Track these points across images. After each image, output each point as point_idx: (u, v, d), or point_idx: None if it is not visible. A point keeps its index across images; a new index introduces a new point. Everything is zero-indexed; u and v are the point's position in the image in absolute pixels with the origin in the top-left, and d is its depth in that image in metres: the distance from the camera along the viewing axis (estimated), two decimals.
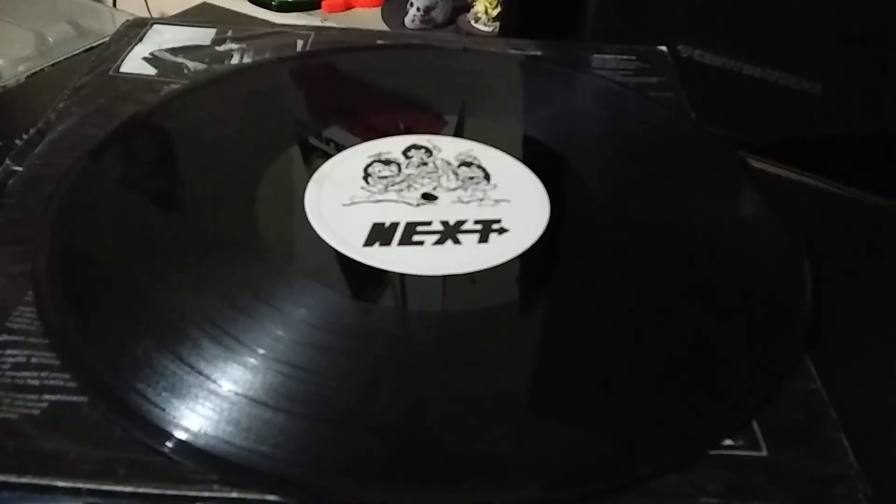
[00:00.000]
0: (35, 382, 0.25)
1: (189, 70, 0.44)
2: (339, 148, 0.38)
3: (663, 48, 0.48)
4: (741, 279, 0.31)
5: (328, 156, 0.37)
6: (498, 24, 0.71)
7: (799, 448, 0.25)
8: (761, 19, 0.49)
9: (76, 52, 0.60)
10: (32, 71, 0.58)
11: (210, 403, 0.25)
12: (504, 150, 0.38)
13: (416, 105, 0.42)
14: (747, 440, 0.25)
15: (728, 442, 0.25)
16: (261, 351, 0.27)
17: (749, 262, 0.32)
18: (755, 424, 0.26)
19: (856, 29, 0.46)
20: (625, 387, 0.27)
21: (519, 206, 0.34)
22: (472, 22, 0.77)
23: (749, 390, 0.27)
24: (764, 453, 0.25)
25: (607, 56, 0.46)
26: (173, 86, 0.42)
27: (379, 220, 0.33)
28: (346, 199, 0.34)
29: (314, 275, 0.30)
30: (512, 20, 0.64)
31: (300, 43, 0.47)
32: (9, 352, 0.26)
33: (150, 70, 0.44)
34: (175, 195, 0.35)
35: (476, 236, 0.33)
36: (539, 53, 0.47)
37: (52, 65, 0.59)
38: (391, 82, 0.44)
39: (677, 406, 0.26)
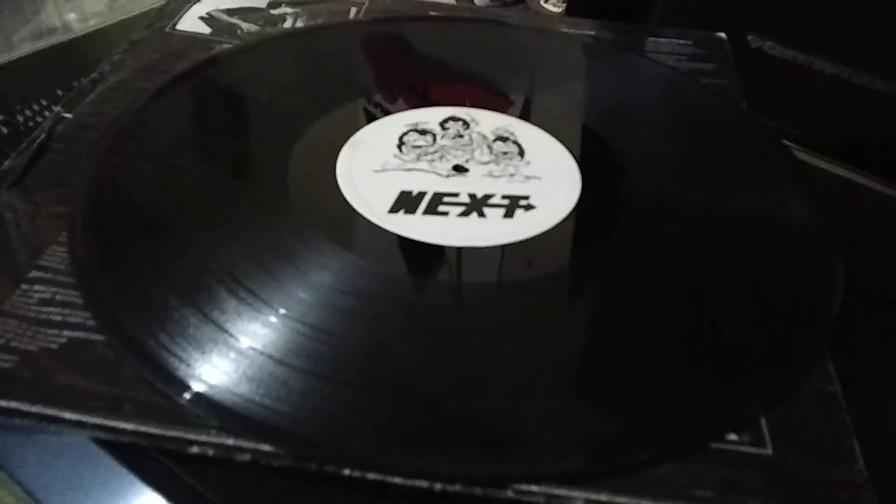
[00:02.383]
0: (58, 318, 0.27)
1: (242, 31, 0.45)
2: (385, 113, 0.38)
3: (722, 35, 0.46)
4: (770, 273, 0.30)
5: (372, 119, 0.37)
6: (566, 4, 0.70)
7: (806, 449, 0.24)
8: (837, 13, 0.47)
9: (145, 10, 0.62)
10: (101, 25, 0.59)
11: (219, 353, 0.25)
12: (542, 128, 0.37)
13: (458, 79, 0.42)
14: (753, 437, 0.25)
15: (732, 437, 0.24)
16: (276, 307, 0.27)
17: (779, 257, 0.31)
18: (763, 421, 0.25)
19: None
20: (634, 372, 0.26)
21: (550, 185, 0.34)
22: (542, 2, 0.76)
23: (760, 385, 0.26)
24: (769, 451, 0.24)
25: (662, 40, 0.45)
26: (225, 45, 0.43)
27: (407, 188, 0.33)
28: (377, 166, 0.35)
29: (335, 237, 0.30)
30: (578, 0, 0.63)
31: (353, 10, 0.47)
32: (37, 287, 0.28)
33: (205, 29, 0.45)
34: (214, 150, 0.35)
35: (502, 211, 0.32)
36: (594, 34, 0.46)
37: (122, 20, 0.61)
38: (443, 54, 0.44)
39: (683, 395, 0.25)
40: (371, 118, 0.37)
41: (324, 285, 0.28)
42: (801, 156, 0.42)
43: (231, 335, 0.26)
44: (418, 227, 0.31)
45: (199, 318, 0.27)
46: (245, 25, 0.45)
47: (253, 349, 0.26)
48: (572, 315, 0.29)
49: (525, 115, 0.38)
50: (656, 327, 0.28)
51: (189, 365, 0.25)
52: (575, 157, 0.36)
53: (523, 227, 0.32)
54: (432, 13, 0.48)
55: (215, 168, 0.34)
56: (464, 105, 0.39)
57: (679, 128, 0.38)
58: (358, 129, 0.37)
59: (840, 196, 0.41)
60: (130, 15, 0.62)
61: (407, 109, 0.38)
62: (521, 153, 0.36)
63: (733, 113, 0.39)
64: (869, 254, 0.34)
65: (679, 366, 0.27)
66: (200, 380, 0.25)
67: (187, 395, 0.24)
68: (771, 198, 0.34)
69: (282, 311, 0.27)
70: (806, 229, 0.32)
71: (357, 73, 0.42)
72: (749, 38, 0.50)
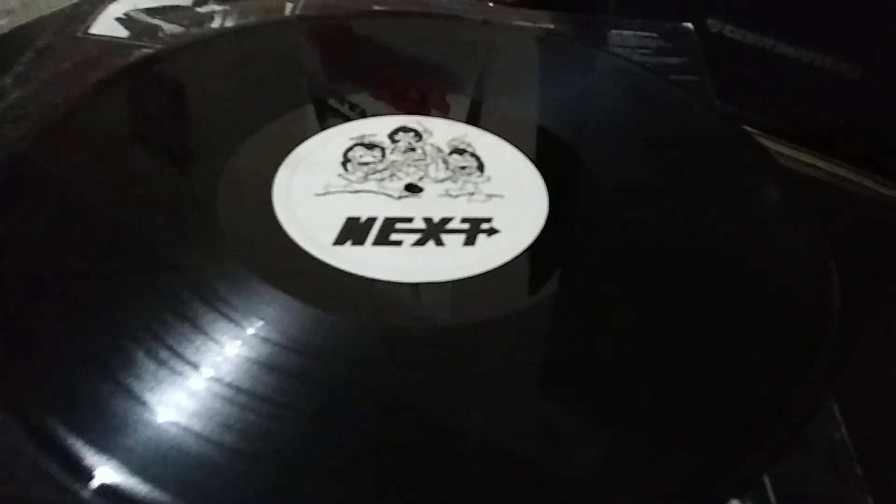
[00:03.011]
0: None
1: (165, 33, 0.40)
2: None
3: (689, 25, 0.43)
4: (757, 298, 0.27)
5: (305, 137, 0.33)
6: None
7: None
8: None
9: (63, 6, 0.57)
10: (13, 26, 0.54)
11: (134, 430, 0.22)
12: (502, 137, 0.34)
13: (409, 79, 0.38)
14: (757, 500, 0.22)
15: (734, 503, 0.21)
16: (203, 369, 0.23)
17: (768, 278, 0.28)
18: (767, 481, 0.22)
19: None
20: (608, 430, 0.23)
21: (514, 203, 0.31)
22: None
23: (761, 439, 0.23)
24: None
25: (626, 32, 0.42)
26: (146, 51, 0.39)
27: (354, 213, 0.30)
28: (319, 188, 0.31)
29: (273, 277, 0.26)
30: None
31: (289, 7, 0.43)
32: None
33: (123, 32, 0.40)
34: (129, 179, 0.31)
35: (462, 237, 0.29)
36: (552, 27, 0.43)
37: (37, 19, 0.55)
38: (391, 52, 0.40)
39: (671, 458, 0.22)
40: (323, 121, 0.34)
41: (258, 337, 0.24)
42: (767, 143, 0.39)
43: (150, 407, 0.22)
44: (368, 262, 0.28)
45: (111, 386, 0.23)
46: (168, 27, 0.41)
47: (176, 425, 0.22)
48: (544, 361, 0.26)
49: (481, 122, 0.35)
50: (638, 374, 0.25)
51: (98, 450, 0.21)
52: (540, 170, 0.32)
53: (487, 255, 0.28)
54: (376, 7, 0.44)
55: (130, 201, 0.30)
56: (417, 108, 0.35)
57: (652, 133, 0.35)
58: (297, 145, 0.33)
59: (824, 194, 0.39)
60: (52, 11, 0.57)
61: (344, 122, 0.34)
62: (481, 167, 0.32)
63: (708, 113, 0.36)
64: (860, 263, 0.32)
65: (665, 424, 0.23)
66: (111, 468, 0.21)
67: (93, 487, 0.20)
68: (754, 210, 0.31)
69: (209, 373, 0.23)
70: (795, 244, 0.29)
71: (296, 78, 0.38)
72: (708, 21, 0.47)
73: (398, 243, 0.28)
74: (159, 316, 0.25)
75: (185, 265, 0.27)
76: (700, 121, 0.35)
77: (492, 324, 0.26)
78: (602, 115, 0.35)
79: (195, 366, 0.23)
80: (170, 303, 0.25)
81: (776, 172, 0.33)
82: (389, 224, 0.29)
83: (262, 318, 0.25)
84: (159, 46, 0.39)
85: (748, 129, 0.38)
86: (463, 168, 0.32)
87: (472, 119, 0.35)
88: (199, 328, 0.25)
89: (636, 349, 0.25)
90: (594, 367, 0.25)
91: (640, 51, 0.41)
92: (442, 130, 0.34)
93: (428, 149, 0.33)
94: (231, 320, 0.25)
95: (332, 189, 0.31)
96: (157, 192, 0.30)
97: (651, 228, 0.30)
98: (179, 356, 0.24)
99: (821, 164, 0.44)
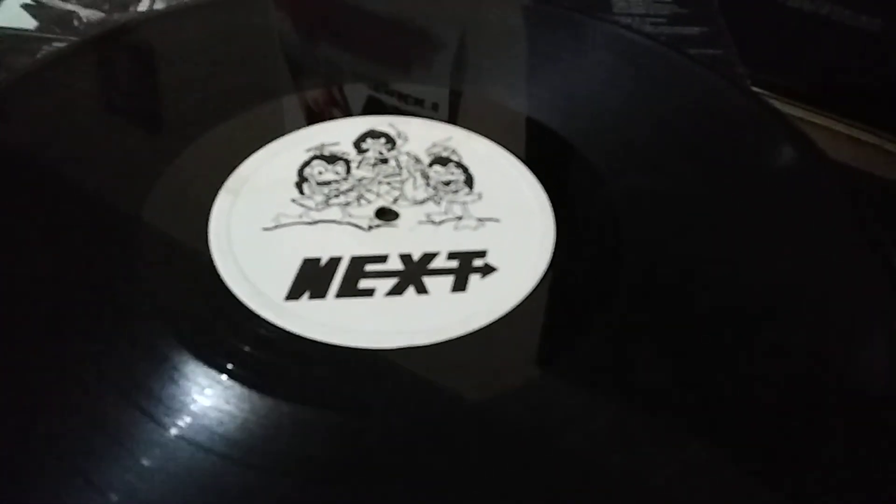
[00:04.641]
0: None
1: (82, 22, 0.33)
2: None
3: None
4: (830, 350, 0.21)
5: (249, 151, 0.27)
6: None
7: None
8: None
9: None
10: None
11: None
12: (493, 139, 0.28)
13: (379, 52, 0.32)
14: None
15: None
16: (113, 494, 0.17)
17: (826, 324, 0.22)
18: None
19: None
20: None
21: (513, 229, 0.24)
22: None
23: None
24: None
25: None
26: (57, 45, 0.32)
27: (312, 253, 0.23)
28: (268, 220, 0.24)
29: (205, 353, 0.20)
30: None
31: None
32: None
33: (30, 22, 0.33)
34: (23, 219, 0.25)
35: (450, 280, 0.23)
36: None
37: None
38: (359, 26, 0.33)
39: None
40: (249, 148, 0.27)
41: (186, 440, 0.18)
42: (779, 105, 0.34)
43: None
44: (332, 320, 0.21)
45: None
46: (85, 13, 0.34)
47: None
48: (558, 440, 0.20)
49: (466, 120, 0.28)
50: (671, 446, 0.19)
51: None
52: (542, 183, 0.26)
53: (482, 303, 0.22)
54: None
55: (23, 247, 0.24)
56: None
57: (678, 129, 0.28)
58: (241, 161, 0.26)
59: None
60: None
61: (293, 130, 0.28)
62: (469, 181, 0.26)
63: (741, 98, 0.30)
64: None
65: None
66: None
67: None
68: (819, 237, 0.25)
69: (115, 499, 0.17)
70: (868, 282, 0.23)
71: (239, 70, 0.31)
72: None
73: (369, 293, 0.22)
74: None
75: (93, 335, 0.21)
76: (735, 111, 0.29)
77: (493, 406, 0.20)
78: (616, 106, 0.29)
79: (103, 491, 0.17)
80: (77, 395, 0.19)
81: (826, 170, 0.27)
82: (358, 266, 0.23)
83: (187, 415, 0.19)
84: (74, 39, 0.32)
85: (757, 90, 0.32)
86: (447, 184, 0.26)
87: (454, 114, 0.29)
88: (107, 430, 0.19)
89: (670, 419, 0.20)
90: (619, 446, 0.19)
91: (651, 20, 0.35)
92: (419, 134, 0.28)
93: (403, 159, 0.27)
94: (147, 415, 0.19)
95: (283, 220, 0.24)
96: (56, 241, 0.24)
97: (688, 258, 0.24)
98: (87, 477, 0.18)
99: (838, 127, 0.39)
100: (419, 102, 0.29)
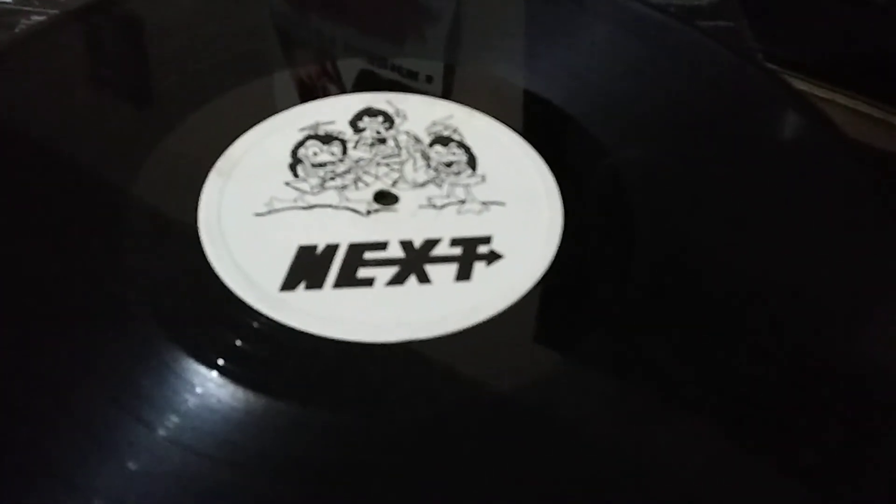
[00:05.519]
0: None
1: None
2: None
3: None
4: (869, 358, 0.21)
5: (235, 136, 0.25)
6: None
7: None
8: None
9: None
10: None
11: None
12: (497, 117, 0.26)
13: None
14: None
15: None
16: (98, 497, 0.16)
17: (853, 309, 0.21)
18: None
19: None
20: None
21: (518, 212, 0.23)
22: None
23: None
24: None
25: None
26: (36, 18, 0.30)
27: (308, 240, 0.22)
28: (260, 205, 0.23)
29: (195, 347, 0.19)
30: None
31: None
32: None
33: None
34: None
35: (453, 268, 0.22)
36: None
37: None
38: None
39: None
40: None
41: (175, 441, 0.17)
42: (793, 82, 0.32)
43: None
44: (329, 313, 0.20)
45: None
46: None
47: None
48: (563, 440, 0.19)
49: (467, 96, 0.27)
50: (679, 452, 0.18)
51: None
52: (548, 163, 0.25)
53: (488, 292, 0.21)
54: None
55: (2, 233, 0.22)
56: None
57: (692, 106, 0.27)
58: (232, 141, 0.25)
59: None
60: None
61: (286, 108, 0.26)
62: (472, 162, 0.25)
63: (761, 79, 0.28)
64: None
65: None
66: None
67: None
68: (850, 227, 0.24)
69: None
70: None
71: (230, 44, 0.30)
72: None
73: (368, 283, 0.21)
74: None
75: (75, 329, 0.20)
76: (751, 89, 0.28)
77: (501, 401, 0.19)
78: (624, 81, 0.28)
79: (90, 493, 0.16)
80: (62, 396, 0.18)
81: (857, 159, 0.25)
82: (356, 254, 0.22)
83: (175, 414, 0.18)
84: (53, 12, 0.30)
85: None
86: (449, 165, 0.25)
87: (449, 88, 0.28)
88: (92, 430, 0.17)
89: (683, 424, 0.19)
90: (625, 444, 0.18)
91: None
92: (420, 111, 0.26)
93: (402, 139, 0.25)
94: (133, 414, 0.18)
95: (277, 205, 0.23)
96: (44, 223, 0.22)
97: (703, 239, 0.23)
98: (68, 480, 0.17)
99: (841, 99, 0.37)
100: (412, 75, 0.28)
